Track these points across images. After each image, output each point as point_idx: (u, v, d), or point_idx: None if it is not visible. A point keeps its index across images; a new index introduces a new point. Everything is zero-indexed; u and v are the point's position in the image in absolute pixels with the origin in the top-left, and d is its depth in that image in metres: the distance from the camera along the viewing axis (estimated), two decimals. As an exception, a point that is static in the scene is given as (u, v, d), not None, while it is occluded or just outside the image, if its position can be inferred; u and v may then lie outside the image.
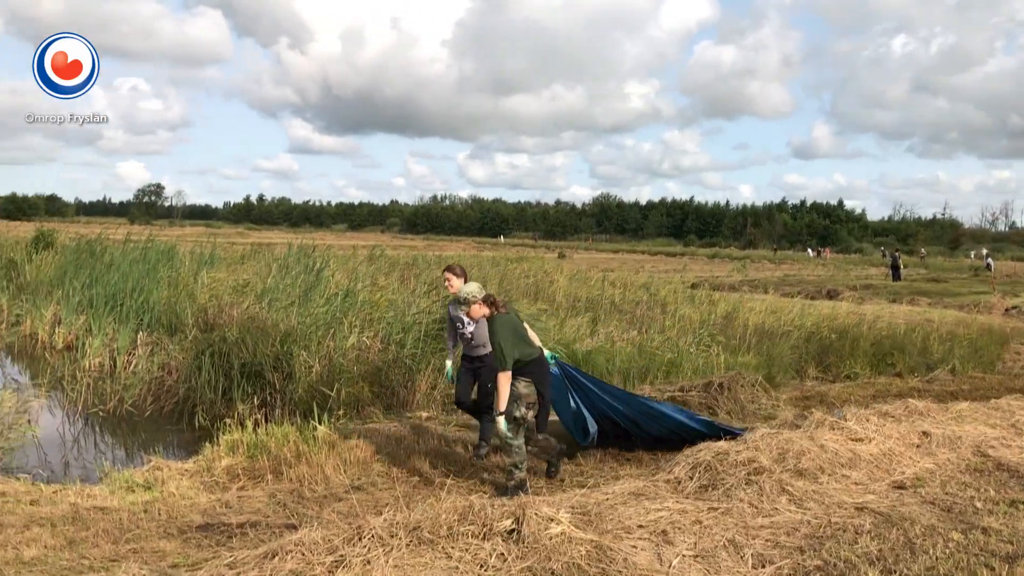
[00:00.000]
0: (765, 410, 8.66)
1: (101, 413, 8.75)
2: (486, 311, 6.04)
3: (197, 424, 8.30)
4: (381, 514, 4.23)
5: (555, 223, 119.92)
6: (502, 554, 4.01)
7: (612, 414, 7.15)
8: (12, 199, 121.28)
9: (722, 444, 5.81)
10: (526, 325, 6.38)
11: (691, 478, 5.54)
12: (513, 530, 4.22)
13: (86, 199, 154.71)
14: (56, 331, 13.34)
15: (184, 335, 10.47)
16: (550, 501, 4.59)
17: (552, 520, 4.30)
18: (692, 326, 11.44)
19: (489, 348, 6.71)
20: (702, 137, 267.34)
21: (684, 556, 4.21)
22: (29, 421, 7.72)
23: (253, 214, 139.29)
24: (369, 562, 3.84)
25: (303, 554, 3.89)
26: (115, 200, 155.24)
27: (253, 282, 12.52)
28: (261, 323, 9.27)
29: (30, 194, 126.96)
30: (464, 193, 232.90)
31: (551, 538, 4.16)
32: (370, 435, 7.02)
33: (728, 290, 24.01)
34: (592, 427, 7.00)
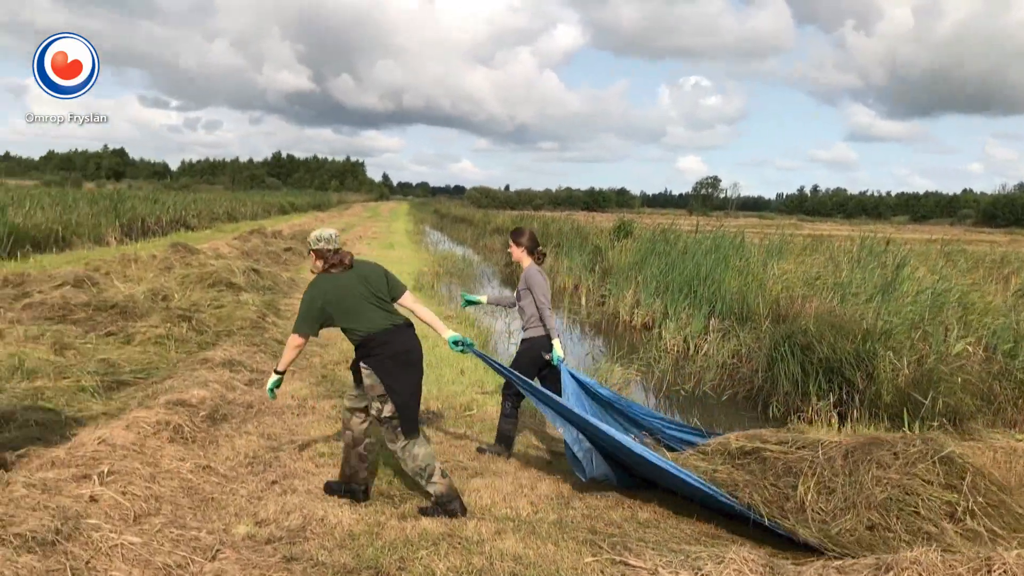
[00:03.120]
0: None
1: (682, 392, 9.32)
2: (317, 266, 4.74)
3: (771, 414, 8.31)
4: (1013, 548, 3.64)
5: None
6: None
7: (604, 445, 5.12)
8: (590, 193, 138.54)
9: None
10: (412, 300, 4.89)
11: None
12: None
13: (650, 192, 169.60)
14: (635, 312, 14.67)
15: (755, 324, 10.61)
16: None
17: None
18: None
19: (529, 329, 5.86)
20: None
21: None
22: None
23: (806, 205, 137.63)
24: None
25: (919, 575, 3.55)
26: (674, 192, 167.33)
27: (823, 275, 12.13)
28: (838, 318, 8.88)
29: (604, 188, 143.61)
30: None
31: None
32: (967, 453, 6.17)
33: None
34: (575, 442, 5.09)
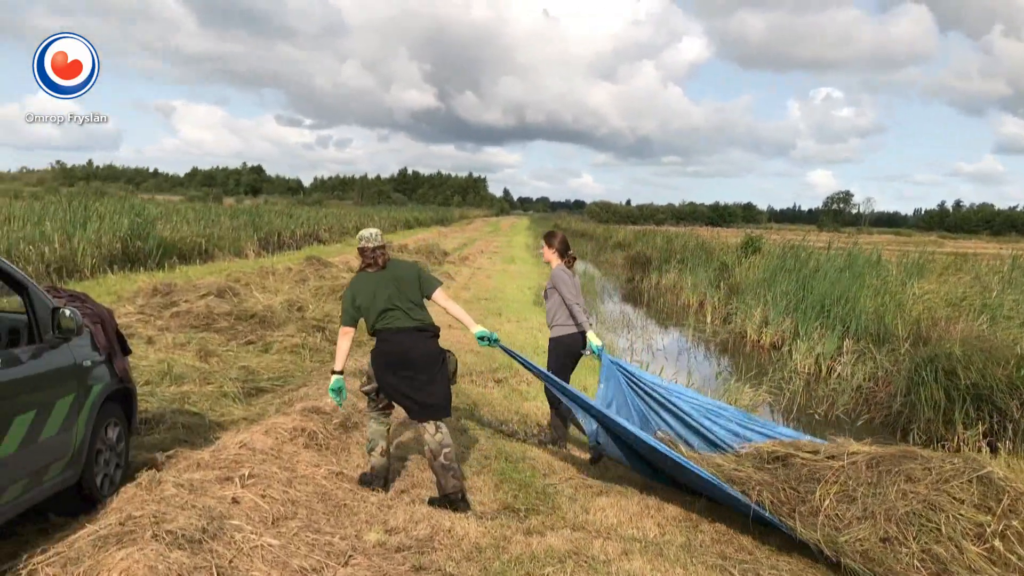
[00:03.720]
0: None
1: (816, 416, 8.95)
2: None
3: (911, 442, 7.86)
4: None
5: None
6: None
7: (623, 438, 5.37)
8: (715, 208, 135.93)
9: None
10: (444, 297, 5.13)
11: None
12: None
13: (777, 207, 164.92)
14: (763, 331, 14.23)
15: (894, 346, 10.09)
16: None
17: None
18: None
19: (555, 328, 6.20)
20: None
21: None
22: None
23: (947, 221, 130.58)
24: None
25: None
26: (803, 208, 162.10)
27: (970, 296, 11.43)
28: (988, 342, 8.33)
29: (729, 203, 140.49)
30: None
31: None
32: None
33: None
34: (592, 434, 5.48)
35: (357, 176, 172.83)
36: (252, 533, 3.93)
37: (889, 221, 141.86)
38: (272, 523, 4.27)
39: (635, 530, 4.78)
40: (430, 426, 4.94)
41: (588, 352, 6.09)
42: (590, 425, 5.46)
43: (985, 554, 4.02)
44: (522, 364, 5.75)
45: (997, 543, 4.04)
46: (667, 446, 5.16)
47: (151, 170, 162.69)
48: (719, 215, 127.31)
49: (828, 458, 4.78)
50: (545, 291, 6.29)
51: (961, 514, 4.16)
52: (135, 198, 37.92)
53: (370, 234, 5.13)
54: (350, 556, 4.05)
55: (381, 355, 4.98)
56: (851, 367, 10.29)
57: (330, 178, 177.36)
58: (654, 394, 5.85)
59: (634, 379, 5.92)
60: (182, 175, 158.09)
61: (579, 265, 30.23)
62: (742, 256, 21.27)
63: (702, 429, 5.66)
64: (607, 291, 23.19)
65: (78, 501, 4.40)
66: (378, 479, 5.10)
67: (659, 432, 5.67)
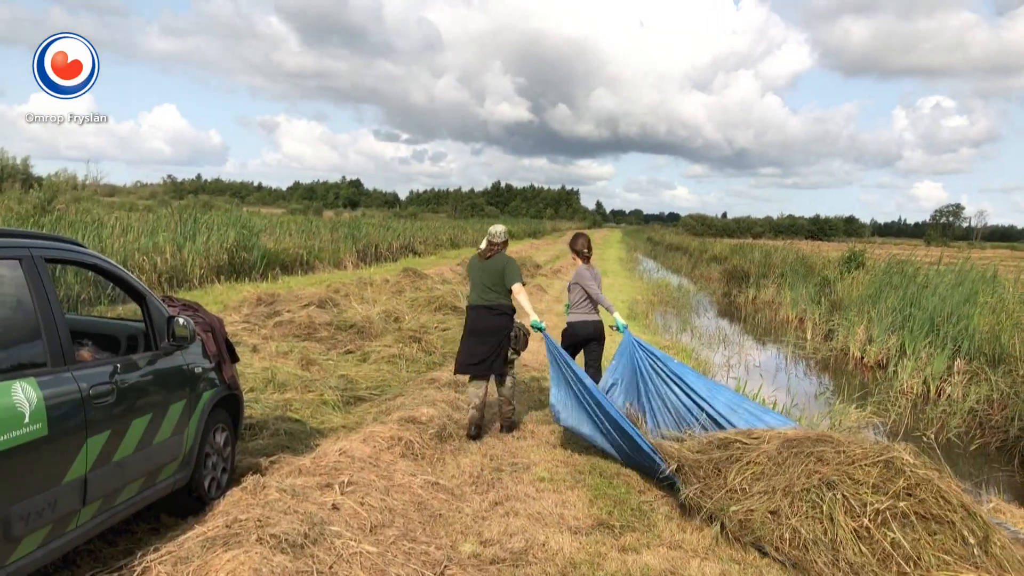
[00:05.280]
0: None
1: (924, 439, 8.55)
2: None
3: (1032, 469, 7.43)
4: None
5: None
6: None
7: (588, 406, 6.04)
8: (815, 221, 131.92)
9: None
10: (517, 290, 6.41)
11: None
12: None
13: (880, 220, 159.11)
14: (867, 348, 13.70)
15: (1011, 367, 9.56)
16: None
17: None
18: None
19: (573, 315, 7.00)
20: None
21: None
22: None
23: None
24: None
25: None
26: (909, 221, 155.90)
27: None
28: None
29: (830, 216, 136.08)
30: None
31: None
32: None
33: None
34: (558, 401, 6.22)
35: (451, 189, 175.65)
36: (351, 540, 4.00)
37: (1004, 235, 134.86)
38: (370, 530, 4.34)
39: (734, 551, 4.66)
40: (502, 383, 6.68)
41: (615, 329, 7.10)
42: (558, 392, 6.21)
43: (858, 531, 4.25)
44: (551, 351, 6.40)
45: (869, 522, 4.25)
46: (629, 420, 5.86)
47: (255, 184, 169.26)
48: (819, 228, 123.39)
49: (763, 443, 5.14)
50: (569, 285, 7.12)
51: (851, 492, 4.41)
52: (240, 211, 39.39)
53: (495, 231, 6.65)
54: (445, 567, 4.08)
55: (466, 323, 6.56)
56: (962, 388, 9.80)
57: (425, 191, 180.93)
58: (666, 369, 6.66)
59: (651, 355, 6.78)
60: (284, 188, 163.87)
61: (673, 279, 30.07)
62: (844, 271, 20.55)
63: (702, 403, 6.36)
64: (702, 305, 22.75)
65: (188, 502, 4.58)
66: (470, 427, 6.55)
67: (628, 405, 6.59)
